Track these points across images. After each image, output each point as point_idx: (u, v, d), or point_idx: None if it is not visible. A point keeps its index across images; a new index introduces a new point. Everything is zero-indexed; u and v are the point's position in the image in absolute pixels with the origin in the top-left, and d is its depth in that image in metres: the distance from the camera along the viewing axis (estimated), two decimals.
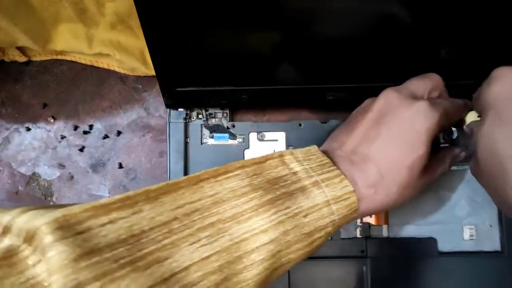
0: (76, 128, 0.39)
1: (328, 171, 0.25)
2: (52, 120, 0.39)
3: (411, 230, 0.36)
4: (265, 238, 0.21)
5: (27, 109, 0.39)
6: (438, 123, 0.26)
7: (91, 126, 0.39)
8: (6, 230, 0.17)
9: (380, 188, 0.26)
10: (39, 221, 0.17)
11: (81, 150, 0.39)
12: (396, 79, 0.33)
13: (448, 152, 0.30)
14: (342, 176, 0.25)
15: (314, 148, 0.27)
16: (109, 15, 0.34)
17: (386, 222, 0.35)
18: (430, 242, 0.35)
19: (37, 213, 0.17)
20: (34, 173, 0.39)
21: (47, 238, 0.16)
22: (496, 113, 0.23)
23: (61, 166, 0.39)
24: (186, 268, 0.19)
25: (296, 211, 0.23)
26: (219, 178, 0.23)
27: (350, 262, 0.35)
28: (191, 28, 0.28)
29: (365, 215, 0.28)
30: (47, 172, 0.39)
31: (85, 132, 0.39)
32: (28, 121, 0.39)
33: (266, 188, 0.23)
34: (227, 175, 0.23)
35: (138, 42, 0.36)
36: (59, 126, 0.39)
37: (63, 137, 0.39)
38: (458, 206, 0.36)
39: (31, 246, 0.17)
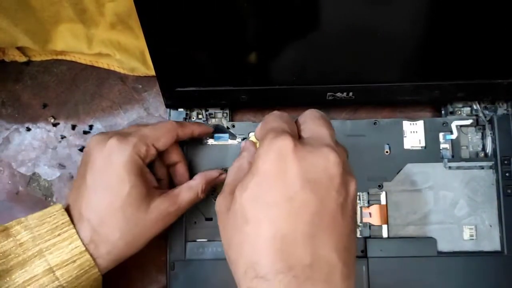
0: (76, 128, 0.39)
1: (60, 234, 0.25)
2: (52, 120, 0.39)
3: (411, 230, 0.35)
4: None
5: (27, 109, 0.39)
6: (133, 153, 0.26)
7: (91, 126, 0.39)
8: None
9: (100, 243, 0.26)
10: None
11: (81, 150, 0.39)
12: (396, 78, 0.33)
13: (199, 177, 0.31)
14: (75, 237, 0.25)
15: (56, 207, 0.27)
16: (109, 15, 0.34)
17: (386, 222, 0.35)
18: (430, 242, 0.35)
19: None
20: (34, 173, 0.39)
21: None
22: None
23: (61, 166, 0.39)
24: None
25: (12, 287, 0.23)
26: None
27: None
28: (191, 28, 0.28)
29: (113, 265, 0.27)
30: (48, 172, 0.39)
31: (85, 132, 0.39)
32: (28, 121, 0.39)
33: None
34: None
35: (138, 42, 0.36)
36: (59, 126, 0.39)
37: (63, 137, 0.39)
38: (458, 206, 0.36)
39: None
